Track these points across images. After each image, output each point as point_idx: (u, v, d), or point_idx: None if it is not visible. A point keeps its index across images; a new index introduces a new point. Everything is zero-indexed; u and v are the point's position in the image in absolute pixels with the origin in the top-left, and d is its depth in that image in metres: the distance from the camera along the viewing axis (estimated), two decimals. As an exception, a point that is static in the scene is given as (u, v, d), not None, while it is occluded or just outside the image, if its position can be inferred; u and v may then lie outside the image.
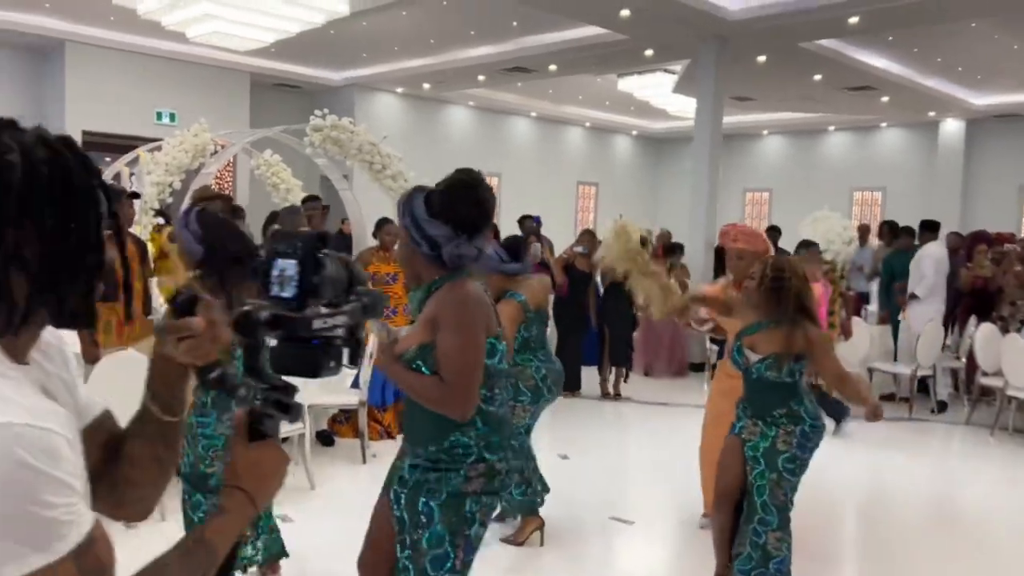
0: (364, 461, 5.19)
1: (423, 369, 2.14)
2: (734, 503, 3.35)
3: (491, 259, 3.79)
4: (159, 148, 7.94)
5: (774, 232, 9.92)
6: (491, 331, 2.19)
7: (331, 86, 13.79)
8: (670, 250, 9.05)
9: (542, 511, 4.08)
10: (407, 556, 2.16)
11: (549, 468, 5.62)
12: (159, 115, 11.85)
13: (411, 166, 9.45)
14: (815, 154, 17.22)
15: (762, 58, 10.60)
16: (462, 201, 2.20)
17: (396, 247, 2.32)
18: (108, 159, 10.64)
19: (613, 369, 7.84)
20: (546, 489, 4.13)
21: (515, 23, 10.24)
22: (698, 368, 8.96)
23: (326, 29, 9.61)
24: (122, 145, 10.46)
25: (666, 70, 12.06)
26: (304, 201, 7.84)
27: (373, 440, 5.51)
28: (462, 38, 11.05)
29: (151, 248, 6.12)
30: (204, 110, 10.11)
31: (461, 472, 2.13)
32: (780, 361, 3.20)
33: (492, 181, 16.35)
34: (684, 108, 13.27)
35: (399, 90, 14.31)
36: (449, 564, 2.13)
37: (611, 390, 7.79)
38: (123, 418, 1.17)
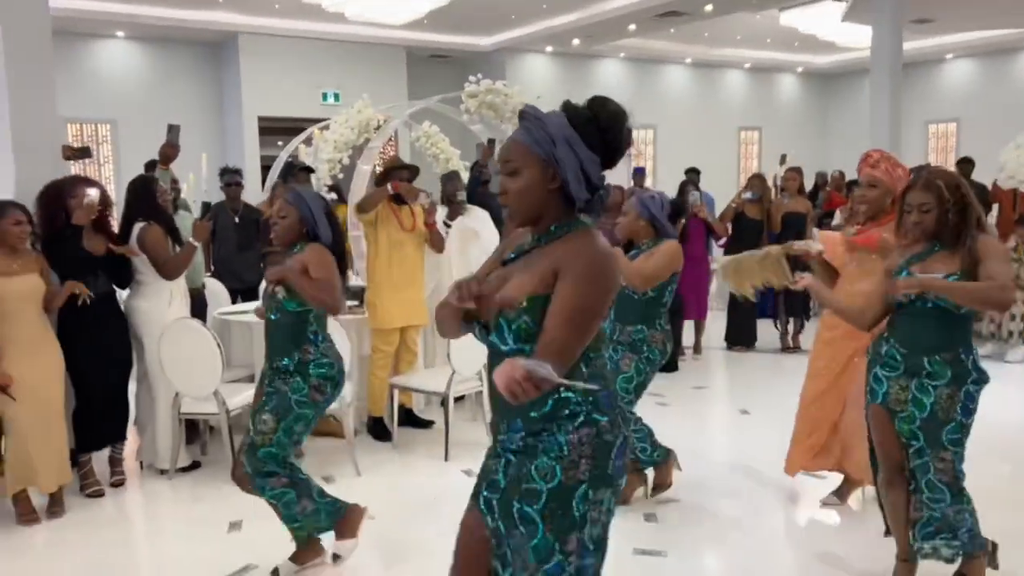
0: (447, 459, 5.22)
1: (529, 327, 1.76)
2: (904, 479, 2.89)
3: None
4: (328, 127, 8.32)
5: (967, 164, 9.02)
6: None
7: (481, 52, 13.89)
8: (848, 187, 8.50)
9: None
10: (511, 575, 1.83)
11: (729, 424, 5.52)
12: (324, 95, 12.41)
13: (565, 124, 9.37)
14: (1010, 77, 15.44)
15: (946, -28, 9.58)
16: (624, 137, 1.82)
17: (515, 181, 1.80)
18: (280, 142, 11.31)
19: (791, 320, 7.49)
20: (662, 455, 3.97)
21: (667, -35, 9.84)
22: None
23: (475, -6, 9.64)
24: (292, 127, 11.06)
25: (833, -2, 11.20)
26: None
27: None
28: (612, -12, 10.75)
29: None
30: (365, 87, 10.45)
31: (564, 449, 1.75)
32: (969, 280, 2.69)
33: (648, 134, 15.99)
34: (855, 38, 12.29)
35: (548, 49, 14.20)
36: None
37: (790, 343, 7.45)
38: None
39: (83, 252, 4.02)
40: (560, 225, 1.83)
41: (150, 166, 7.09)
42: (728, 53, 15.76)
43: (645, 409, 5.72)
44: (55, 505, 3.92)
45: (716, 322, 7.78)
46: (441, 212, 5.54)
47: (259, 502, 3.17)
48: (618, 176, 10.07)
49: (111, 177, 11.72)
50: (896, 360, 2.80)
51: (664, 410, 5.54)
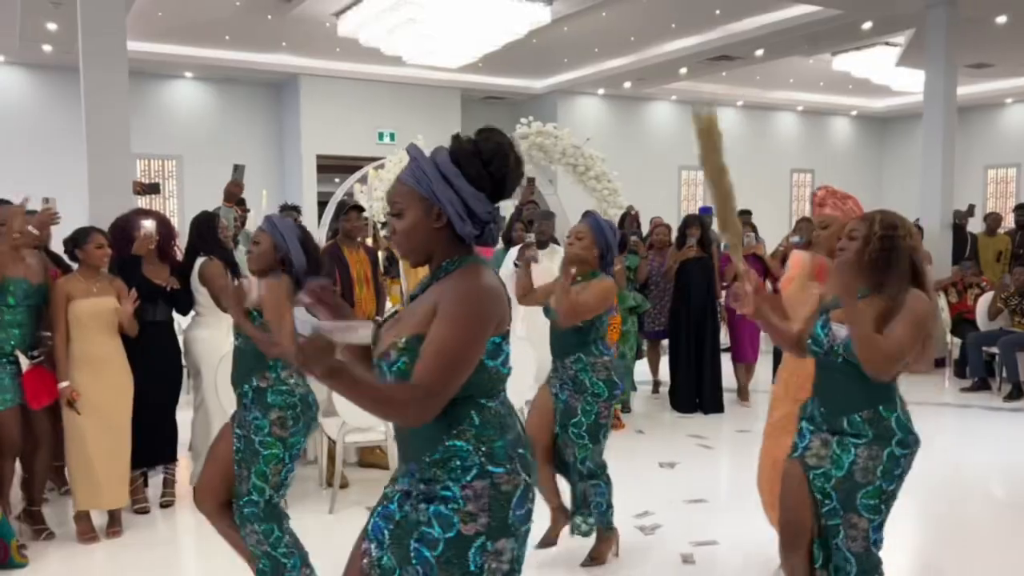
0: None
1: (407, 367, 1.70)
2: (807, 542, 2.58)
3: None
4: (382, 166, 8.59)
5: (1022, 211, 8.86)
6: (500, 329, 1.78)
7: (534, 94, 14.16)
8: None
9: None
10: None
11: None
12: (380, 135, 12.77)
13: (614, 165, 9.50)
14: (1074, 120, 15.12)
15: (1002, 19, 9.50)
16: (510, 169, 1.76)
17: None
18: (337, 180, 11.65)
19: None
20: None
21: (718, 11, 9.96)
22: (939, 363, 8.22)
23: (528, 38, 9.89)
24: (349, 166, 11.40)
25: (887, 43, 11.17)
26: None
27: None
28: (663, 32, 10.92)
29: (381, 257, 6.61)
30: (420, 127, 10.76)
31: (459, 501, 1.71)
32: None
33: (697, 175, 16.01)
34: (910, 83, 12.21)
35: (600, 91, 14.40)
36: None
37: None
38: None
39: (144, 280, 4.24)
40: (451, 261, 1.79)
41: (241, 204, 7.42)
42: (781, 96, 15.76)
43: (686, 450, 5.71)
44: (114, 524, 4.08)
45: (764, 364, 7.71)
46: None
47: (305, 527, 3.26)
48: (666, 211, 10.07)
49: (175, 211, 12.19)
50: (817, 418, 2.57)
51: (707, 453, 5.52)
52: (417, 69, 11.58)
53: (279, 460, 2.92)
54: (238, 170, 5.71)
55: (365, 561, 1.83)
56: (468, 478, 1.72)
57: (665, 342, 7.01)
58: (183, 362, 4.67)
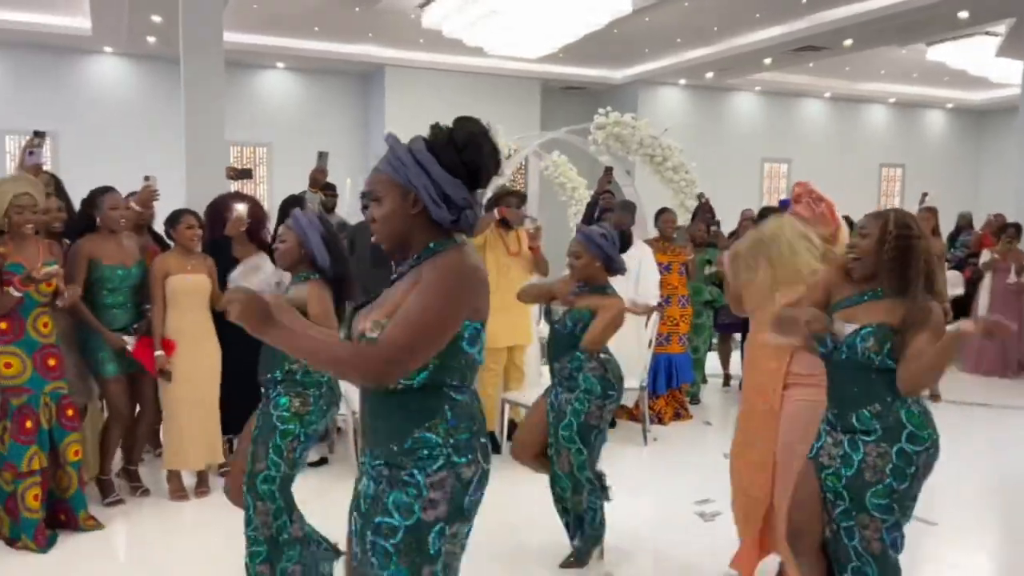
0: (645, 443, 5.39)
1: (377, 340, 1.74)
2: (816, 546, 2.52)
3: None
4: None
5: None
6: (479, 315, 1.82)
7: (615, 84, 14.13)
8: (1002, 230, 8.12)
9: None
10: None
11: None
12: (461, 125, 12.99)
13: (695, 157, 9.43)
14: None
15: (1113, 6, 9.00)
16: (485, 157, 1.80)
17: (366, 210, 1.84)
18: (419, 167, 11.90)
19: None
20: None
21: (804, 0, 9.75)
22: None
23: (609, 29, 9.89)
24: (430, 154, 11.65)
25: (986, 32, 10.70)
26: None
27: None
28: (747, 21, 10.74)
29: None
30: (500, 117, 10.90)
31: (423, 489, 1.75)
32: (885, 334, 2.37)
33: (781, 168, 15.69)
34: (1009, 74, 11.66)
35: (682, 82, 14.26)
36: None
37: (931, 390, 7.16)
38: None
39: (233, 260, 4.50)
40: (437, 243, 1.82)
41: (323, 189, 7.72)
42: (871, 88, 15.27)
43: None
44: (202, 484, 4.40)
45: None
46: None
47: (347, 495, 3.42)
48: (747, 204, 9.91)
49: (265, 196, 12.70)
50: (831, 418, 2.52)
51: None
52: (498, 60, 11.72)
53: (295, 436, 2.89)
54: (322, 157, 5.97)
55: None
56: (434, 467, 1.76)
57: (738, 336, 6.98)
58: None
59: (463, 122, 1.82)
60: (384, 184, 1.83)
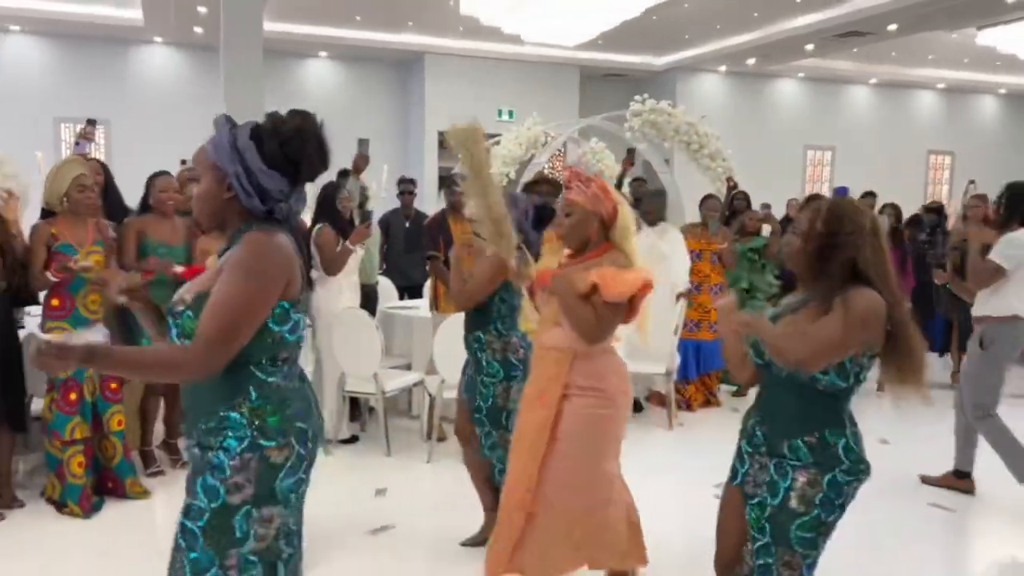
0: (671, 427, 5.45)
1: (190, 323, 1.74)
2: None
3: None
4: (497, 143, 8.86)
5: None
6: (290, 294, 1.79)
7: (654, 71, 14.06)
8: None
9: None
10: None
11: (868, 452, 5.35)
12: (499, 112, 13.09)
13: (735, 144, 9.39)
14: None
15: None
16: (309, 151, 1.81)
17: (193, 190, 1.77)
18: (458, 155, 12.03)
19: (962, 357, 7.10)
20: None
21: (847, -15, 9.61)
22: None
23: (648, 15, 9.87)
24: (469, 141, 11.76)
25: (1039, 16, 10.41)
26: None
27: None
28: (788, 7, 10.62)
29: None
30: (538, 105, 10.97)
31: (227, 471, 1.73)
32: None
33: (825, 155, 15.46)
34: (1064, 58, 11.35)
35: (722, 68, 14.14)
36: None
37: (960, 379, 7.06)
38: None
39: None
40: (246, 226, 1.81)
41: (343, 174, 7.89)
42: (919, 73, 14.95)
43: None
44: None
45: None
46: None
47: (405, 473, 3.57)
48: (790, 192, 9.84)
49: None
50: (758, 437, 2.23)
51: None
52: (536, 47, 11.76)
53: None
54: (363, 144, 6.10)
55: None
56: (239, 449, 1.74)
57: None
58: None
59: (294, 115, 1.82)
60: (204, 164, 1.84)
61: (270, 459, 1.75)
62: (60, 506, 3.83)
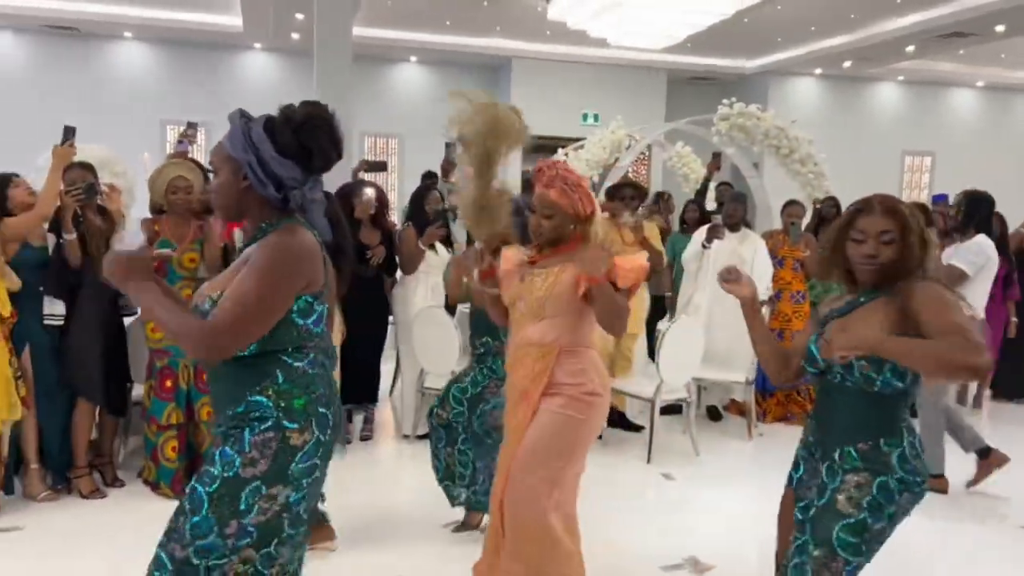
0: (750, 437, 5.34)
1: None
2: None
3: None
4: (582, 147, 8.86)
5: None
6: (312, 287, 1.85)
7: (744, 74, 13.78)
8: None
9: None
10: (160, 544, 1.84)
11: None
12: (584, 116, 13.07)
13: (830, 150, 9.09)
14: None
15: None
16: (321, 139, 1.85)
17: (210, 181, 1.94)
18: (541, 158, 12.08)
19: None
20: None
21: (951, -17, 9.21)
22: None
23: (739, 18, 9.70)
24: (552, 146, 11.79)
25: None
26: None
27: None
28: (888, 7, 10.24)
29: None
30: (623, 109, 10.91)
31: (247, 446, 1.79)
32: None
33: (924, 161, 14.81)
34: None
35: (817, 71, 13.73)
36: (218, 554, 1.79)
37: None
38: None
39: (358, 242, 4.80)
40: (268, 224, 1.88)
41: (427, 176, 8.07)
42: (1031, 76, 14.18)
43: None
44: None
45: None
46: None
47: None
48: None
49: (395, 185, 13.25)
50: (811, 440, 2.21)
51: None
52: (623, 51, 11.71)
53: None
54: (449, 148, 6.23)
55: None
56: (263, 427, 1.81)
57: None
58: (390, 318, 5.25)
59: (306, 105, 1.89)
60: (221, 157, 1.91)
61: (290, 440, 1.82)
62: (155, 487, 4.05)
